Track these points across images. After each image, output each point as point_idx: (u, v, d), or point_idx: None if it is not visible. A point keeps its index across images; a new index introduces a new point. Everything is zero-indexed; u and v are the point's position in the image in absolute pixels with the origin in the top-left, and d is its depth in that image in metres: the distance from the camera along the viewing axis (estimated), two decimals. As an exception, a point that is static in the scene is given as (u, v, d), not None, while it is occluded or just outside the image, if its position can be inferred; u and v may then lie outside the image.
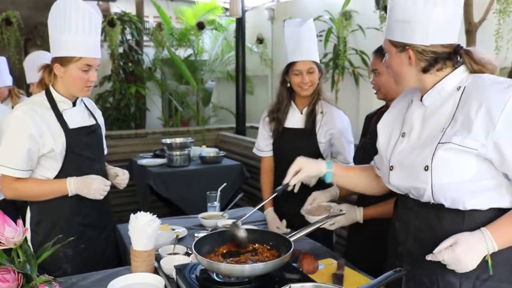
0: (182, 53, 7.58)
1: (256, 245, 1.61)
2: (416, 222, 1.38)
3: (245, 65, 5.80)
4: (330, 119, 2.29)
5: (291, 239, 1.54)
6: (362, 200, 2.00)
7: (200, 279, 1.47)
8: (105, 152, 2.21)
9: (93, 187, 1.89)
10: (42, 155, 1.88)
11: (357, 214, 1.89)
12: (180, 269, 1.56)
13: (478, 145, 1.21)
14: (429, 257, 1.25)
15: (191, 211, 3.18)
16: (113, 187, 2.13)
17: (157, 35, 6.85)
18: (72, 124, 1.93)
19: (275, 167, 2.47)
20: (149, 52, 7.42)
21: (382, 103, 2.08)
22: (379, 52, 1.93)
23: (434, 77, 1.32)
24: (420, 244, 1.36)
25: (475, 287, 1.28)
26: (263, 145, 2.48)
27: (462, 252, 1.20)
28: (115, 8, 7.26)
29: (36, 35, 6.61)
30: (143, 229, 1.68)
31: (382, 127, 1.54)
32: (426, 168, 1.28)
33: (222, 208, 2.58)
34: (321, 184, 1.80)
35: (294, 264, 1.64)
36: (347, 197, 2.24)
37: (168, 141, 4.16)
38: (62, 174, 1.91)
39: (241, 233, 1.58)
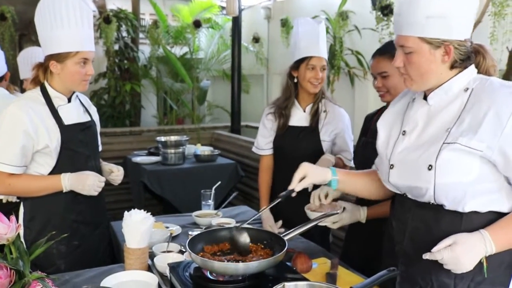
0: (178, 51, 7.56)
1: (250, 244, 1.61)
2: (413, 222, 1.38)
3: (241, 64, 5.79)
4: (333, 118, 2.33)
5: (285, 238, 1.54)
6: (361, 199, 2.00)
7: (193, 277, 1.47)
8: (100, 149, 2.20)
9: (87, 183, 1.88)
10: (36, 151, 1.86)
11: (361, 213, 1.85)
12: (173, 267, 1.55)
13: (483, 147, 1.21)
14: (426, 256, 1.24)
15: (185, 209, 3.18)
16: (107, 184, 2.12)
17: (153, 33, 6.83)
18: (67, 120, 1.92)
19: (275, 165, 2.48)
20: (144, 50, 7.39)
21: (377, 103, 2.08)
22: (388, 54, 1.89)
23: (446, 77, 1.31)
24: (416, 244, 1.36)
25: None
26: (263, 143, 2.48)
27: (462, 252, 1.20)
28: (111, 5, 7.23)
29: (31, 31, 6.56)
30: (137, 227, 1.68)
31: (382, 125, 1.53)
32: (430, 167, 1.27)
33: (216, 207, 2.58)
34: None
35: (288, 263, 1.64)
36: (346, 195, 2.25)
37: (162, 139, 4.15)
38: (57, 170, 1.90)
39: (243, 238, 1.55)
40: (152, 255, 1.80)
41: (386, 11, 4.42)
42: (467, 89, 1.29)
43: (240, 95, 5.81)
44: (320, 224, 1.71)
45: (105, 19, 6.40)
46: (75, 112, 2.00)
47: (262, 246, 1.59)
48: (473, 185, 1.25)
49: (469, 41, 1.29)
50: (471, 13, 1.27)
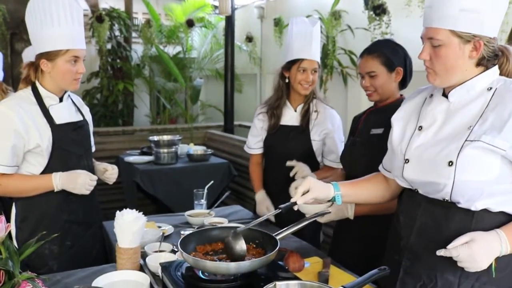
0: (171, 50, 7.54)
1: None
2: (422, 218, 1.37)
3: (234, 63, 5.79)
4: (324, 119, 2.34)
5: (278, 237, 1.54)
6: None
7: (185, 276, 1.47)
8: (93, 149, 2.19)
9: (79, 181, 1.88)
10: (28, 151, 1.86)
11: (348, 210, 1.85)
12: (165, 266, 1.55)
13: (507, 146, 1.21)
14: (441, 253, 1.23)
15: (177, 209, 3.17)
16: (100, 183, 2.12)
17: (146, 32, 6.80)
18: (58, 120, 1.92)
19: (266, 163, 2.51)
20: (137, 49, 7.36)
21: (370, 103, 2.08)
22: (375, 53, 1.91)
23: (470, 74, 1.30)
24: (424, 240, 1.36)
25: None
26: (252, 142, 2.52)
27: (478, 250, 1.19)
28: (103, 4, 7.19)
29: (22, 30, 6.51)
30: (129, 227, 1.67)
31: (397, 120, 1.51)
32: (451, 163, 1.26)
33: (209, 206, 2.58)
34: None
35: (280, 262, 1.65)
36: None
37: (155, 138, 4.14)
38: (48, 170, 1.89)
39: (239, 245, 1.48)
40: (144, 255, 1.79)
41: (378, 10, 4.44)
42: (491, 88, 1.29)
43: (233, 95, 5.81)
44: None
45: (97, 18, 6.37)
46: (67, 111, 1.99)
47: (254, 246, 1.59)
48: (491, 185, 1.24)
49: (496, 40, 1.30)
50: (502, 12, 1.27)
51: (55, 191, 1.89)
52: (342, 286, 1.24)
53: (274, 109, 2.41)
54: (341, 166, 2.26)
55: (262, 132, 2.47)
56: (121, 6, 7.23)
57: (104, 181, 2.15)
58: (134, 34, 7.41)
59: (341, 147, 2.33)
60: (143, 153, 4.46)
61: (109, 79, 6.93)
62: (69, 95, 2.03)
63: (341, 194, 1.55)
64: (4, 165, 1.81)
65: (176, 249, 1.89)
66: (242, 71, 7.54)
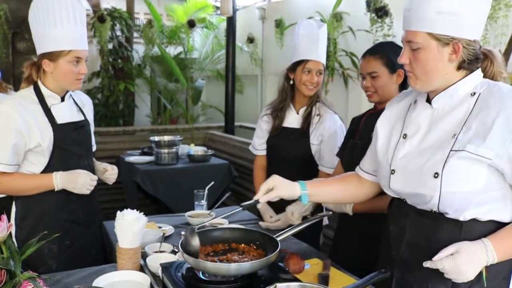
0: (172, 50, 7.54)
1: (242, 245, 1.61)
2: (411, 229, 1.36)
3: (235, 64, 5.80)
4: (323, 123, 2.31)
5: (278, 239, 1.55)
6: None
7: (186, 277, 1.47)
8: (94, 148, 2.19)
9: (79, 181, 1.88)
10: (28, 150, 1.86)
11: (346, 205, 1.85)
12: (166, 267, 1.55)
13: (492, 155, 1.18)
14: (427, 264, 1.22)
15: (178, 209, 3.17)
16: (100, 183, 2.12)
17: (147, 32, 6.80)
18: (60, 119, 1.92)
19: (268, 164, 2.50)
20: (139, 49, 7.37)
21: (371, 104, 2.09)
22: (378, 54, 1.91)
23: (452, 78, 1.28)
24: (413, 251, 1.34)
25: None
26: (257, 143, 2.53)
27: (463, 262, 1.17)
28: (105, 4, 7.20)
29: (24, 29, 6.52)
30: (130, 227, 1.67)
31: (381, 127, 1.49)
32: (436, 175, 1.23)
33: (210, 207, 2.58)
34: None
35: (280, 264, 1.65)
36: None
37: (156, 138, 4.14)
38: (49, 169, 1.89)
39: (195, 242, 1.48)
40: (144, 255, 1.79)
41: (380, 13, 4.44)
42: (474, 93, 1.26)
43: (234, 96, 5.81)
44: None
45: (99, 18, 6.38)
46: (68, 111, 1.99)
47: (255, 247, 1.59)
48: (479, 194, 1.22)
49: (478, 43, 1.27)
50: (483, 15, 1.25)
51: (55, 190, 1.89)
52: (342, 288, 1.25)
53: (278, 111, 2.41)
54: (331, 172, 2.24)
55: (266, 134, 2.47)
56: (122, 6, 7.24)
57: (104, 181, 2.15)
58: (135, 34, 7.42)
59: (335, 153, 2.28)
60: (143, 153, 4.46)
61: (110, 79, 6.94)
62: (70, 95, 2.03)
63: (308, 194, 1.53)
64: (5, 163, 1.81)
65: (176, 250, 1.89)
66: (243, 72, 7.54)
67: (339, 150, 2.19)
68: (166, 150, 4.08)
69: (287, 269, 1.63)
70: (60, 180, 1.87)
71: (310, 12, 5.69)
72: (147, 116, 7.89)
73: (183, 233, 2.09)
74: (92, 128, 2.16)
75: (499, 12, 3.38)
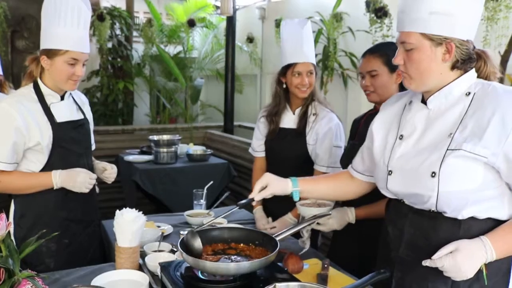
0: (172, 50, 7.54)
1: (241, 245, 1.61)
2: (410, 229, 1.36)
3: (235, 63, 5.80)
4: (318, 122, 2.29)
5: (277, 239, 1.55)
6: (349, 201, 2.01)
7: (185, 276, 1.47)
8: (93, 147, 2.19)
9: (78, 180, 1.88)
10: (28, 148, 1.86)
11: (349, 215, 1.85)
12: (165, 266, 1.55)
13: (488, 153, 1.20)
14: (426, 263, 1.22)
15: (177, 209, 3.17)
16: (100, 182, 2.12)
17: (147, 31, 6.80)
18: (59, 118, 1.92)
19: (267, 166, 2.48)
20: (138, 48, 7.36)
21: (370, 105, 2.08)
22: (378, 53, 1.91)
23: (446, 78, 1.29)
24: (413, 251, 1.35)
25: None
26: (256, 145, 2.51)
27: (462, 260, 1.18)
28: (105, 3, 7.19)
29: (23, 27, 6.51)
30: (129, 226, 1.67)
31: (377, 129, 1.50)
32: (433, 174, 1.24)
33: (208, 206, 2.58)
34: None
35: (279, 264, 1.65)
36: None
37: (155, 137, 4.14)
38: (48, 167, 1.89)
39: (197, 244, 1.48)
40: (143, 254, 1.79)
41: (379, 13, 4.45)
42: (469, 93, 1.28)
43: (233, 95, 5.81)
44: (309, 227, 1.72)
45: (98, 17, 6.37)
46: (68, 110, 1.99)
47: (254, 247, 1.59)
48: (476, 192, 1.23)
49: (471, 43, 1.28)
50: (476, 15, 1.26)
51: (54, 188, 1.89)
52: (341, 288, 1.25)
53: (273, 116, 2.39)
54: (329, 171, 2.23)
55: (264, 135, 2.45)
56: (122, 5, 7.24)
57: (102, 180, 2.15)
58: (135, 33, 7.41)
59: (331, 152, 2.26)
60: (142, 153, 4.46)
61: (109, 78, 6.93)
62: (70, 94, 2.03)
63: (299, 190, 1.56)
64: (4, 162, 1.81)
65: (175, 249, 1.89)
66: (243, 71, 7.55)
67: (342, 155, 2.16)
68: (165, 149, 4.08)
69: (286, 269, 1.63)
70: (59, 178, 1.87)
71: (310, 12, 5.69)
72: (146, 115, 7.89)
73: (182, 232, 2.09)
74: (92, 127, 2.16)
75: (500, 14, 3.39)
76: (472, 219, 1.26)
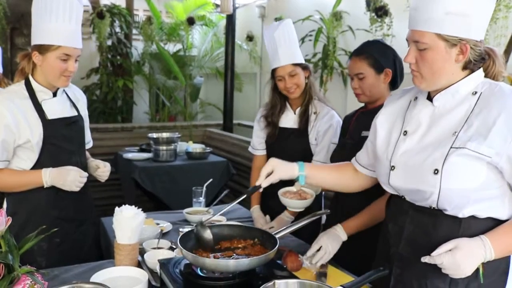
0: (171, 47, 7.54)
1: (241, 241, 1.61)
2: (410, 226, 1.36)
3: (234, 62, 5.80)
4: (319, 120, 2.29)
5: (277, 236, 1.55)
6: (339, 197, 2.01)
7: (184, 273, 1.47)
8: (91, 144, 2.18)
9: (68, 178, 1.86)
10: (18, 146, 1.85)
11: (339, 233, 1.78)
12: (164, 263, 1.55)
13: (492, 153, 1.19)
14: (425, 259, 1.23)
15: (176, 206, 3.17)
16: (97, 180, 2.11)
17: (147, 29, 6.80)
18: (51, 115, 1.90)
19: None
20: (138, 46, 7.36)
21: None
22: (363, 55, 1.90)
23: (456, 78, 1.28)
24: (412, 248, 1.35)
25: None
26: (257, 143, 2.49)
27: (462, 257, 1.19)
28: (104, 0, 7.19)
29: (22, 24, 6.50)
30: (128, 223, 1.67)
31: (381, 124, 1.49)
32: (436, 171, 1.24)
33: (208, 204, 2.58)
34: None
35: (278, 261, 1.65)
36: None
37: (154, 135, 4.14)
38: (39, 165, 1.88)
39: (207, 234, 1.56)
40: (142, 251, 1.79)
41: (380, 12, 4.45)
42: (475, 92, 1.27)
43: (233, 93, 5.81)
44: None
45: (98, 14, 6.36)
46: (60, 106, 1.97)
47: (254, 244, 1.60)
48: (478, 191, 1.23)
49: (483, 43, 1.27)
50: (489, 14, 1.26)
51: (44, 187, 1.87)
52: (341, 285, 1.25)
53: (269, 117, 2.39)
54: None
55: (264, 133, 2.45)
56: (122, 3, 7.23)
57: (96, 178, 2.12)
58: (134, 31, 7.41)
59: (330, 148, 2.24)
60: (142, 150, 4.46)
61: (108, 76, 6.93)
62: (64, 90, 2.01)
63: (305, 175, 1.56)
64: None
65: (174, 246, 1.89)
66: (242, 70, 7.55)
67: (333, 151, 2.15)
68: (164, 147, 4.08)
69: (285, 266, 1.63)
70: (49, 176, 1.85)
71: (310, 11, 5.69)
72: (145, 113, 7.89)
73: (181, 230, 2.09)
74: (87, 123, 2.14)
75: (499, 14, 3.38)
76: (473, 218, 1.26)
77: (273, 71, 2.28)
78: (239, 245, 1.60)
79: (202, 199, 2.53)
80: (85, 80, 6.80)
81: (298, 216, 2.19)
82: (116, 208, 1.72)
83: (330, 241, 1.74)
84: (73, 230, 2.02)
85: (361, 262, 1.70)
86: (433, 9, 1.22)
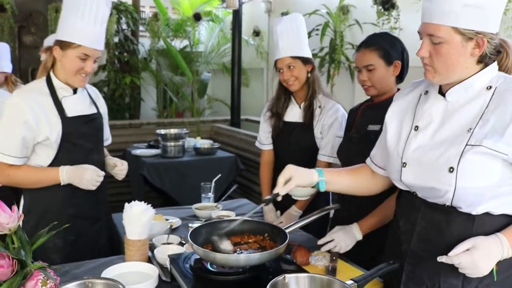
0: (178, 44, 7.54)
1: (252, 236, 1.62)
2: (422, 222, 1.34)
3: (241, 57, 5.79)
4: (324, 114, 2.29)
5: (287, 231, 1.55)
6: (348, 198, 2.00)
7: (194, 268, 1.48)
8: (109, 141, 2.20)
9: (85, 177, 1.87)
10: (37, 143, 1.86)
11: (355, 232, 1.80)
12: (174, 258, 1.56)
13: (509, 150, 1.16)
14: (442, 259, 1.20)
15: (184, 202, 3.18)
16: (108, 176, 2.12)
17: (153, 26, 6.81)
18: (70, 112, 1.91)
19: (274, 159, 2.49)
20: (144, 43, 7.37)
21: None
22: (373, 46, 1.88)
23: (470, 72, 1.25)
24: (425, 244, 1.33)
25: None
26: (263, 138, 2.51)
27: (480, 257, 1.17)
28: (111, -3, 7.20)
29: (30, 23, 6.55)
30: (138, 218, 1.68)
31: (391, 118, 1.45)
32: (451, 169, 1.21)
33: (216, 200, 2.59)
34: None
35: (288, 256, 1.65)
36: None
37: (162, 131, 4.15)
38: (56, 162, 1.89)
39: (224, 245, 1.55)
40: (152, 247, 1.80)
41: (387, 5, 4.41)
42: (490, 87, 1.23)
43: (240, 89, 5.81)
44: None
45: (105, 12, 6.37)
46: (80, 104, 1.98)
47: (263, 239, 1.60)
48: (493, 189, 1.21)
49: (498, 35, 1.24)
50: (503, 6, 1.22)
51: (61, 184, 1.89)
52: (351, 279, 1.25)
53: (274, 109, 2.40)
54: (331, 161, 2.24)
55: (271, 128, 2.46)
56: (128, 0, 7.24)
57: (113, 176, 2.14)
58: (141, 28, 7.42)
59: (334, 143, 2.24)
60: (150, 147, 4.48)
61: (116, 73, 6.95)
62: (84, 87, 2.03)
63: (325, 181, 1.50)
64: (14, 156, 1.82)
65: (183, 242, 1.90)
66: (249, 65, 7.53)
67: (339, 146, 2.14)
68: (172, 143, 4.09)
69: (294, 260, 1.64)
70: (66, 174, 1.86)
71: (316, 5, 5.66)
72: (153, 109, 7.90)
73: (190, 225, 2.10)
74: (106, 120, 2.16)
75: (509, 5, 3.34)
76: (486, 214, 1.23)
77: (275, 64, 2.30)
78: (250, 240, 1.60)
79: (211, 194, 2.54)
80: (93, 77, 6.83)
81: (307, 211, 2.19)
82: (126, 204, 1.73)
83: (345, 238, 1.74)
84: (88, 227, 2.03)
85: (370, 257, 1.70)
86: (450, 2, 1.17)
